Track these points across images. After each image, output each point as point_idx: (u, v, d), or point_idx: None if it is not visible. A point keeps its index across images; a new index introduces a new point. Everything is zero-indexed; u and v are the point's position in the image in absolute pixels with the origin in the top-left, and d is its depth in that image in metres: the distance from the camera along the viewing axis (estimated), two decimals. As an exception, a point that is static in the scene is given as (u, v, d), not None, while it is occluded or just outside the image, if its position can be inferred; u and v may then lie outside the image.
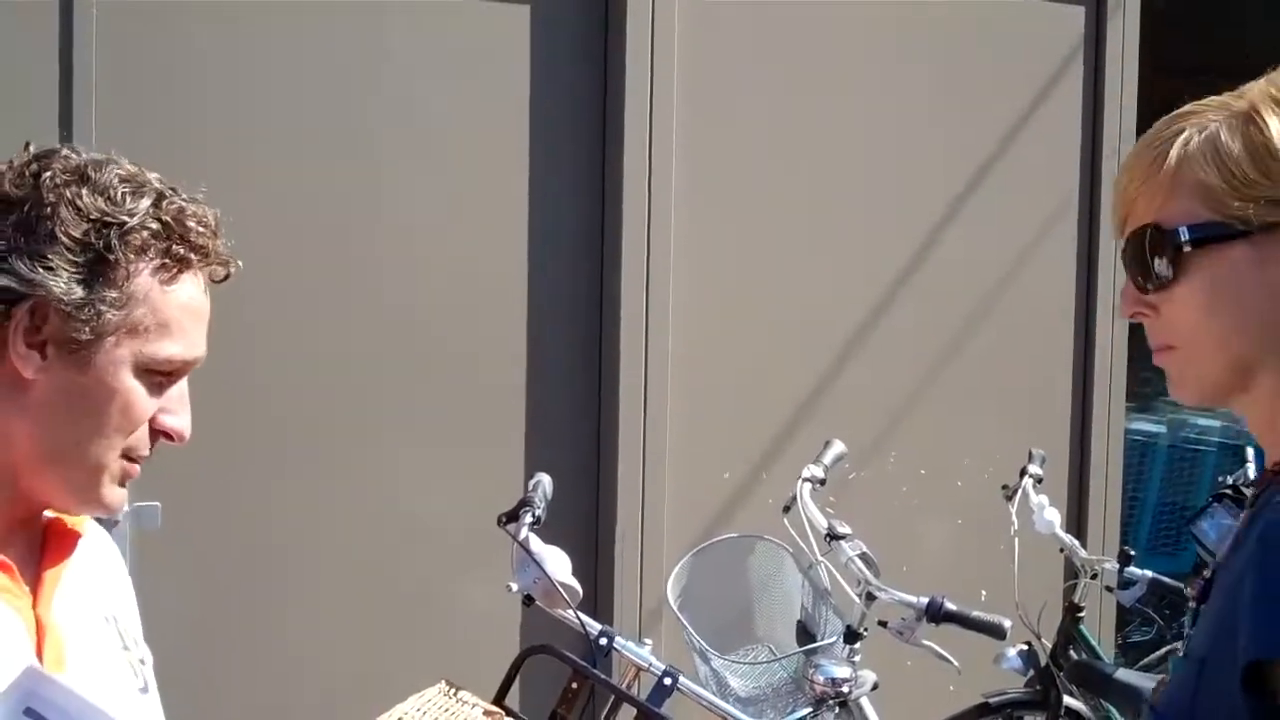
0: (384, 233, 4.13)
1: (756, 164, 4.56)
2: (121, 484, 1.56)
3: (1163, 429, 7.80)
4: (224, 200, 1.62)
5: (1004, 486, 4.38)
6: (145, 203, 1.52)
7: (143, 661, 1.68)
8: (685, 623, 3.37)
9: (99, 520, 1.72)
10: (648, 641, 3.17)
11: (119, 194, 1.51)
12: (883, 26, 4.72)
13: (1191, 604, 1.58)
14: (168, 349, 1.54)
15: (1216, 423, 7.90)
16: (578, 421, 4.40)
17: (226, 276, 1.61)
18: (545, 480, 3.14)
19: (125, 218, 1.51)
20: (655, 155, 4.37)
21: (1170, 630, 5.35)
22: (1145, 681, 4.01)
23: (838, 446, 3.83)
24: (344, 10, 4.06)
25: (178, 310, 1.54)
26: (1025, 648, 4.21)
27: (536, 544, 2.97)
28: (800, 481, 3.69)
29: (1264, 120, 1.47)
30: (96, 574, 1.67)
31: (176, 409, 1.58)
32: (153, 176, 1.57)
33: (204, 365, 1.59)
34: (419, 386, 4.19)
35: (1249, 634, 1.37)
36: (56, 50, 3.72)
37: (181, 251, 1.54)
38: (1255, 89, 1.50)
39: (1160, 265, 1.49)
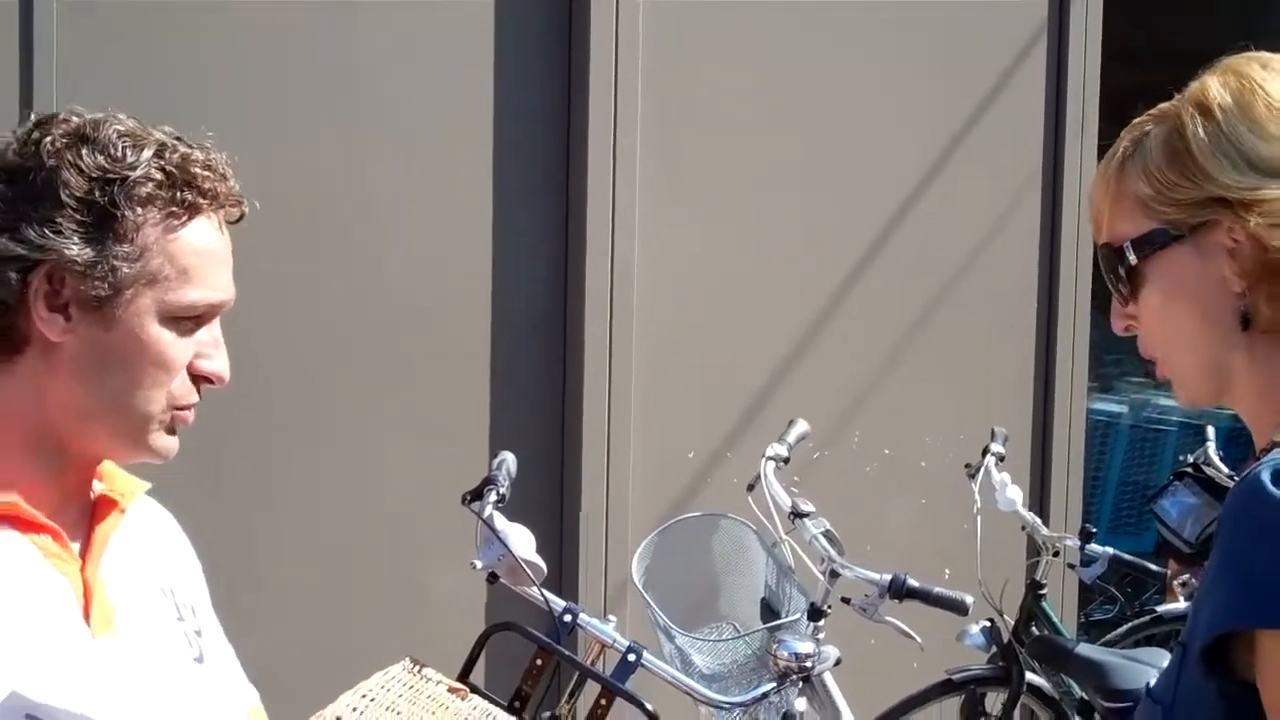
0: (351, 222, 4.12)
1: (720, 146, 4.56)
2: (171, 431, 1.58)
3: (1125, 408, 7.84)
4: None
5: (967, 465, 4.40)
6: (146, 154, 1.54)
7: (199, 633, 1.71)
8: (649, 600, 3.38)
9: None
10: (612, 618, 3.17)
11: (119, 149, 1.53)
12: (846, 10, 4.73)
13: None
14: (190, 295, 1.56)
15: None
16: (542, 400, 4.40)
17: (241, 216, 1.66)
18: (509, 458, 3.14)
19: (127, 171, 1.52)
20: (620, 138, 4.37)
21: (1131, 608, 5.38)
22: (1107, 657, 4.03)
23: (801, 425, 3.84)
24: (309, 8, 4.04)
25: (194, 256, 1.57)
26: (988, 624, 4.24)
27: (501, 521, 2.97)
28: (764, 460, 3.70)
29: (1183, 122, 1.50)
30: (150, 545, 1.70)
31: (211, 353, 1.60)
32: (160, 130, 1.58)
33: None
34: (383, 366, 4.19)
35: (1206, 612, 1.39)
36: (17, 50, 3.68)
37: (189, 197, 1.56)
38: (1188, 90, 1.53)
39: (1121, 279, 1.54)
